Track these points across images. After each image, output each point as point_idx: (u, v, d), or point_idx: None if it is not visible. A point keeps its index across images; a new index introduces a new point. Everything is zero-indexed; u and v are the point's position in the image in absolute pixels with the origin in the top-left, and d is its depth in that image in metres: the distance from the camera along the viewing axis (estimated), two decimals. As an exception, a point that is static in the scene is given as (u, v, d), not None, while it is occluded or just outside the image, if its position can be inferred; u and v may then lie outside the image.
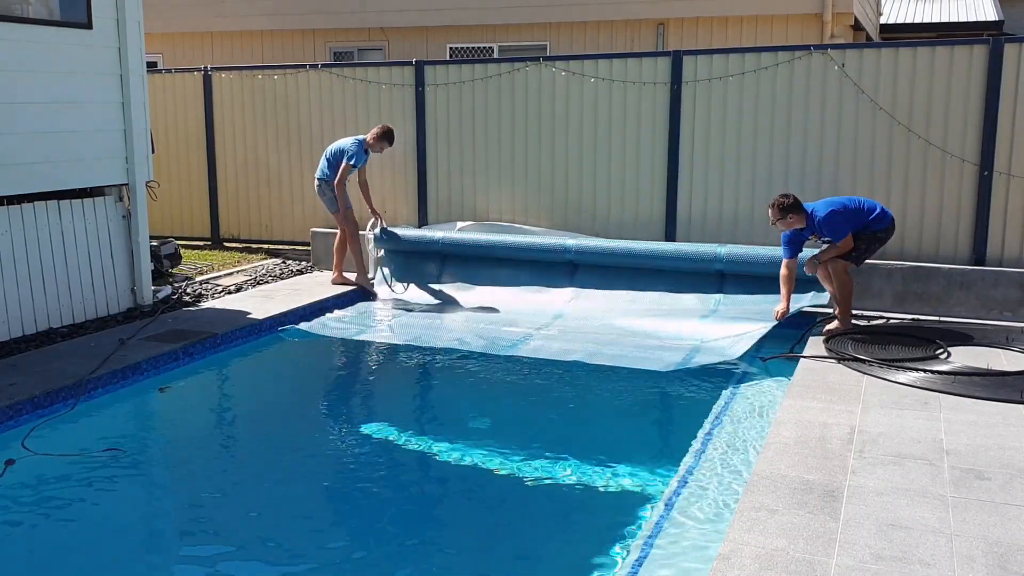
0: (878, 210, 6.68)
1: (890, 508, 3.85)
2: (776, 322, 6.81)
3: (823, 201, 6.78)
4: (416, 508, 4.54)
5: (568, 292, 8.22)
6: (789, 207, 6.54)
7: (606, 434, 5.54)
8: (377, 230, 8.99)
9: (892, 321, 7.16)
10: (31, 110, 6.92)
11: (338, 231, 8.92)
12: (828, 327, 6.80)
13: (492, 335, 7.22)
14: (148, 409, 6.16)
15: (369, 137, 8.62)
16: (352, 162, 8.50)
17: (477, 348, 6.91)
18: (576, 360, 6.53)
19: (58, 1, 7.13)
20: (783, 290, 6.81)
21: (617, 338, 7.10)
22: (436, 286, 8.77)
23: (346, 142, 8.65)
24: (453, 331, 7.39)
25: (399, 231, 9.03)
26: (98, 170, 7.53)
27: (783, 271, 6.77)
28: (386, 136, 8.61)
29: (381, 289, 8.81)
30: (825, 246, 6.75)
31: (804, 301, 7.16)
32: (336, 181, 8.54)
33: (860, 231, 6.61)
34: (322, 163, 8.78)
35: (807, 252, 6.87)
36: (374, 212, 8.92)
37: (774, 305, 6.94)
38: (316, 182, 8.80)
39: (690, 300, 7.71)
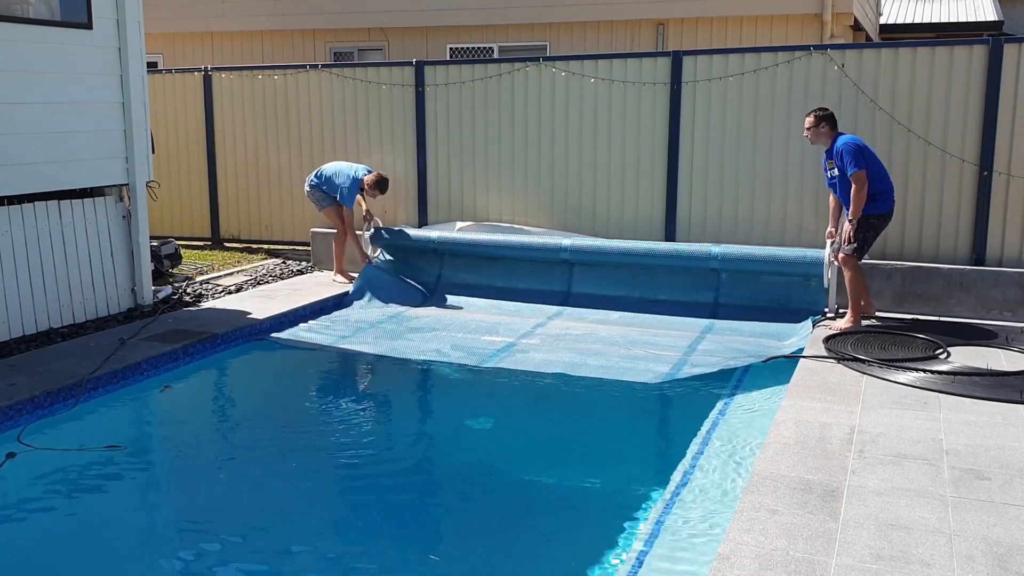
0: (884, 193, 6.77)
1: (890, 508, 3.85)
2: (773, 356, 6.52)
3: (850, 134, 6.98)
4: (416, 509, 4.54)
5: (556, 306, 8.19)
6: (826, 116, 6.88)
7: (605, 434, 5.54)
8: (373, 230, 9.01)
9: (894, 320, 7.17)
10: (31, 110, 6.93)
11: (334, 229, 9.20)
12: (834, 325, 6.85)
13: (471, 345, 7.03)
14: (148, 409, 6.16)
15: (367, 180, 8.77)
16: (347, 204, 8.83)
17: (455, 360, 6.68)
18: (558, 372, 6.31)
19: (58, 1, 7.13)
20: (830, 214, 7.21)
21: (603, 348, 6.91)
22: (432, 287, 8.77)
23: (345, 173, 8.82)
24: (432, 341, 7.15)
25: (394, 231, 9.05)
26: (98, 170, 7.54)
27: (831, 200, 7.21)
28: (379, 185, 8.77)
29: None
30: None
31: (805, 330, 6.99)
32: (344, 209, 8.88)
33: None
34: (328, 180, 8.93)
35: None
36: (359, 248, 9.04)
37: (765, 339, 6.97)
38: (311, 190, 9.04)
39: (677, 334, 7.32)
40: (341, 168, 8.88)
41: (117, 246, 7.76)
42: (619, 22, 12.44)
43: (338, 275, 9.08)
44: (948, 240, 7.73)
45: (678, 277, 8.00)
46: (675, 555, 3.73)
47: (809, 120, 6.94)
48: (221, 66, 10.88)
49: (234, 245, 10.86)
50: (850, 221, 6.75)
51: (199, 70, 10.71)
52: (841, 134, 6.90)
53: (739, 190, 8.31)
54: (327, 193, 8.89)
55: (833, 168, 6.86)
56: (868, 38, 14.30)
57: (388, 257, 9.13)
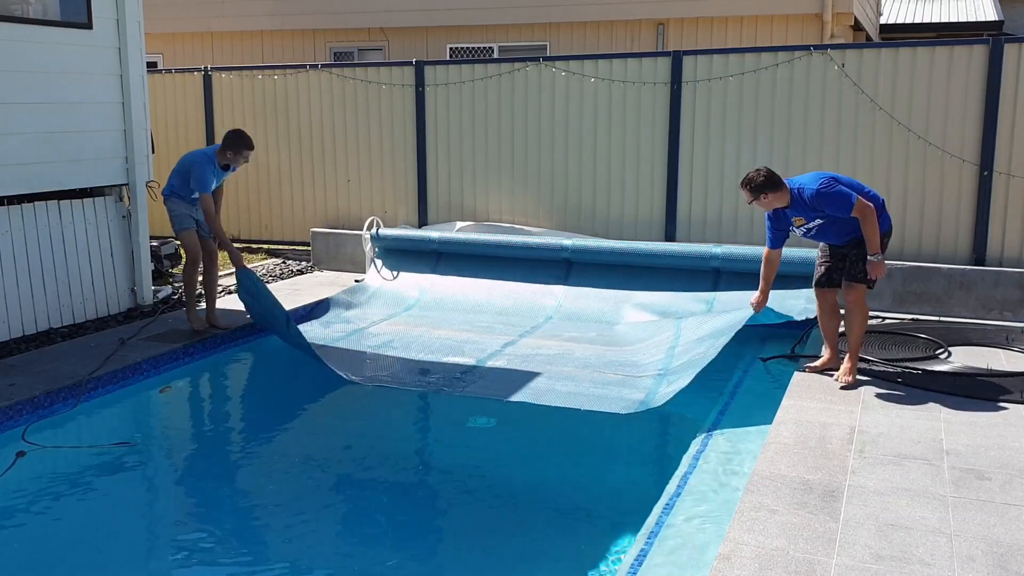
0: (881, 199, 5.46)
1: (890, 508, 3.85)
2: (749, 316, 5.95)
3: (809, 175, 5.50)
4: (417, 510, 4.54)
5: (552, 302, 8.11)
6: (761, 184, 5.34)
7: (605, 435, 5.54)
8: (375, 230, 9.02)
9: (889, 321, 7.16)
10: (31, 110, 6.93)
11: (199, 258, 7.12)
12: (817, 366, 5.84)
13: (436, 370, 6.42)
14: (148, 409, 6.16)
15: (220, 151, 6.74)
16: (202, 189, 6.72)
17: (413, 386, 6.14)
18: (521, 401, 5.62)
19: (58, 1, 7.13)
20: (762, 276, 5.74)
21: (574, 371, 6.23)
22: (430, 287, 8.77)
23: (196, 157, 6.78)
24: (388, 364, 6.60)
25: (394, 231, 9.05)
26: (98, 170, 7.54)
27: (764, 258, 5.72)
28: (230, 144, 6.67)
29: (375, 283, 8.80)
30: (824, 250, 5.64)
31: (801, 301, 7.00)
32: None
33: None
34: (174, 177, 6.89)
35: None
36: (221, 240, 7.10)
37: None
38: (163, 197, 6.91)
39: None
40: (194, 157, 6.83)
41: (117, 246, 7.76)
42: (619, 22, 12.44)
43: (194, 320, 6.97)
44: (948, 240, 7.73)
45: (678, 277, 8.00)
46: (675, 555, 3.73)
47: (746, 194, 5.47)
48: (221, 66, 10.88)
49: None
50: (872, 259, 5.30)
51: (199, 70, 10.70)
52: (791, 182, 5.47)
53: (739, 189, 8.28)
54: (183, 198, 6.84)
55: (803, 223, 5.47)
56: (868, 38, 14.30)
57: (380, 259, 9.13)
